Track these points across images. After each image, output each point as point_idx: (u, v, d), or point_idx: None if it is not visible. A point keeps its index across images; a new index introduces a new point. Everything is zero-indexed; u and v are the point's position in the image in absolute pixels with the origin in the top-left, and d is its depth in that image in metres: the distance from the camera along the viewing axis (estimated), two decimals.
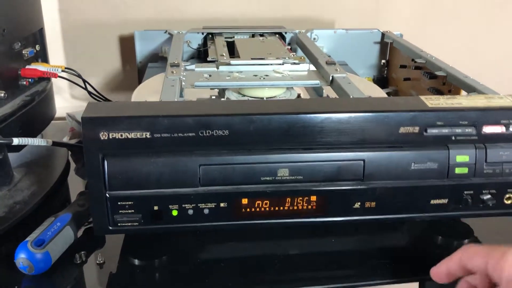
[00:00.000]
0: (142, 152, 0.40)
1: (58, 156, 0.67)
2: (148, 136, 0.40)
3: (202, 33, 0.73)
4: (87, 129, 0.39)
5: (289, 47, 0.68)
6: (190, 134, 0.40)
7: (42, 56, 0.67)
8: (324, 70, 0.55)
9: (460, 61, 0.92)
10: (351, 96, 0.47)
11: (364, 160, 0.43)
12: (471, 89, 0.51)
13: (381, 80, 0.78)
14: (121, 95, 0.84)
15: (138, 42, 0.73)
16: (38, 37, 0.65)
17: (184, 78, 0.54)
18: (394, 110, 0.42)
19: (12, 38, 0.59)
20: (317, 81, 0.54)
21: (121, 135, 0.40)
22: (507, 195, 0.46)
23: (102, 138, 0.39)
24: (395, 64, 0.75)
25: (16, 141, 0.45)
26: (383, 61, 0.78)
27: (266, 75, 0.56)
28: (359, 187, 0.44)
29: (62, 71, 0.63)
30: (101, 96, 0.69)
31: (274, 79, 0.55)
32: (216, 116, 0.40)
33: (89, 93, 0.67)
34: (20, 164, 0.61)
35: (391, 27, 0.87)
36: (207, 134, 0.41)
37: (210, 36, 0.73)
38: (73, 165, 0.67)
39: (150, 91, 0.57)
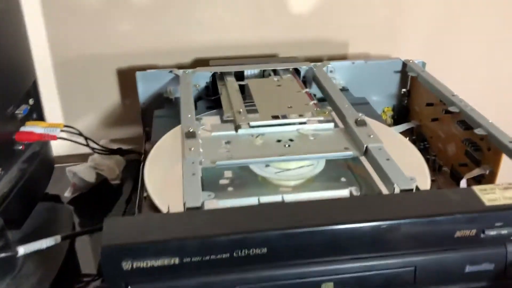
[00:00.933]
0: (170, 277, 0.36)
1: (62, 220, 0.62)
2: (176, 262, 0.35)
3: (210, 71, 0.67)
4: (107, 258, 0.34)
5: (308, 90, 0.62)
6: (224, 256, 0.36)
7: (37, 110, 0.61)
8: (355, 134, 0.50)
9: (479, 76, 0.87)
10: (394, 185, 0.42)
11: (415, 267, 0.39)
12: None
13: (402, 111, 0.73)
14: (122, 130, 0.78)
15: (140, 83, 0.67)
16: (31, 91, 0.59)
17: (202, 150, 0.48)
18: (450, 213, 0.38)
19: (6, 105, 0.53)
20: (350, 153, 0.49)
21: (147, 264, 0.35)
22: None
23: (125, 269, 0.35)
24: (417, 94, 0.70)
25: (21, 251, 0.40)
26: (403, 90, 0.73)
27: (291, 140, 0.51)
28: None
29: (61, 130, 0.57)
30: (105, 150, 0.64)
31: (300, 147, 0.50)
32: (252, 233, 0.36)
33: (92, 149, 0.62)
34: (21, 237, 0.56)
35: (408, 45, 0.82)
36: (243, 254, 0.36)
37: (219, 73, 0.67)
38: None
39: (163, 163, 0.52)
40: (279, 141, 0.51)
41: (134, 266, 0.35)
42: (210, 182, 0.49)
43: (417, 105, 0.70)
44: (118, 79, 0.75)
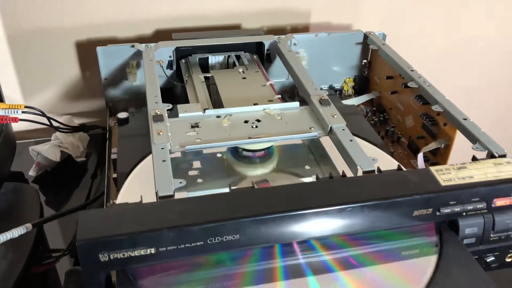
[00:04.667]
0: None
1: (29, 200, 0.61)
2: (153, 252, 0.36)
3: (173, 46, 0.66)
4: (84, 252, 0.35)
5: (272, 82, 0.62)
6: (198, 243, 0.37)
7: None
8: (320, 114, 0.52)
9: (437, 45, 0.90)
10: (358, 166, 0.45)
11: None
12: (471, 137, 0.50)
13: (362, 81, 0.75)
14: (84, 104, 0.77)
15: (102, 58, 0.65)
16: None
17: (170, 134, 0.49)
18: (409, 195, 0.40)
19: None
20: (315, 133, 0.50)
21: (123, 255, 0.36)
22: (509, 255, 0.46)
23: (102, 260, 0.36)
24: (378, 66, 0.72)
25: None
26: (364, 61, 0.74)
27: (258, 120, 0.52)
28: None
29: (22, 112, 0.56)
30: (68, 128, 0.62)
31: (267, 127, 0.51)
32: (226, 221, 0.37)
33: (56, 129, 0.60)
34: None
35: (369, 14, 0.83)
36: (216, 241, 0.38)
37: (184, 62, 0.67)
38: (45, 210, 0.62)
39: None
40: (246, 121, 0.52)
41: (111, 257, 0.36)
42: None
43: (377, 76, 0.73)
44: (77, 52, 0.73)
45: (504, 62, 0.96)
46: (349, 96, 0.76)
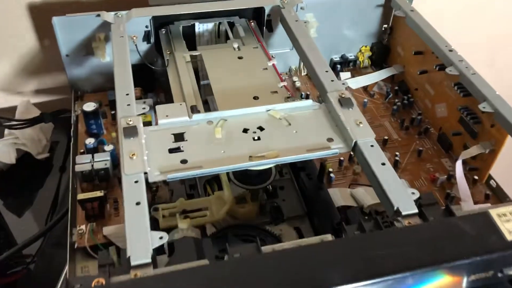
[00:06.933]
0: None
1: None
2: None
3: (150, 15, 0.52)
4: None
5: (275, 62, 0.50)
6: None
7: None
8: (340, 121, 0.40)
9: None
10: (395, 207, 0.34)
11: None
12: None
13: (381, 50, 0.63)
14: (44, 78, 0.64)
15: (60, 31, 0.52)
16: None
17: (146, 158, 0.37)
18: (466, 257, 0.30)
19: None
20: (335, 150, 0.39)
21: None
22: None
23: None
24: (402, 34, 0.59)
25: None
26: (384, 26, 0.61)
27: (260, 128, 0.41)
28: None
29: None
30: (24, 123, 0.50)
31: (272, 138, 0.40)
32: None
33: (8, 127, 0.48)
34: None
35: None
36: None
37: (164, 31, 0.53)
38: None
39: None
40: (245, 131, 0.40)
41: None
42: None
43: (401, 47, 0.60)
44: (31, 17, 0.58)
45: None
46: (365, 68, 0.64)
